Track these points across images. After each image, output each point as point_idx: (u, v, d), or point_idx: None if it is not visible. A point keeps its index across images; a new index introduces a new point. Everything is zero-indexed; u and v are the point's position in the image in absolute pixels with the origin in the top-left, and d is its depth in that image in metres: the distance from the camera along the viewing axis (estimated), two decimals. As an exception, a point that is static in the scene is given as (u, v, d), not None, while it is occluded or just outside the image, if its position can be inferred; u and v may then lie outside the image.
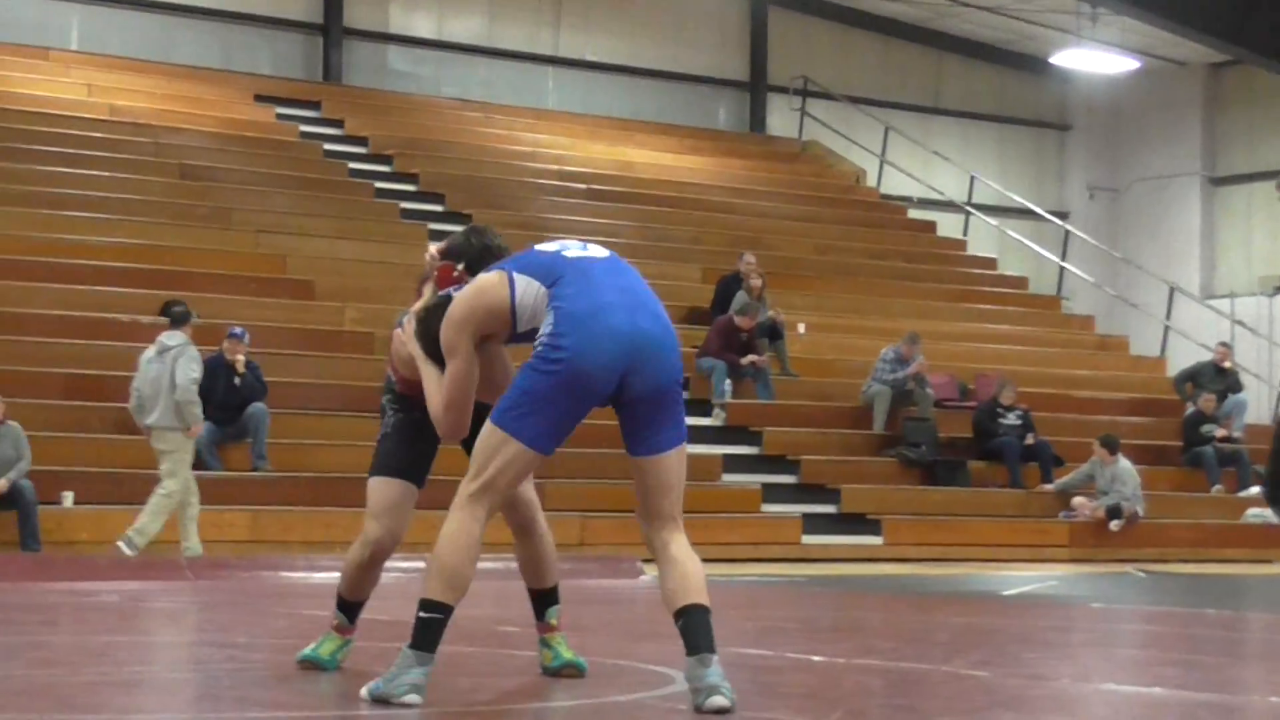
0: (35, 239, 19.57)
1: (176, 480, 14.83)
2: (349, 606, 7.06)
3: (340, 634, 7.05)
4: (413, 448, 6.92)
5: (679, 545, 6.18)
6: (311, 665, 6.96)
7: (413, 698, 5.89)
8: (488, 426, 6.07)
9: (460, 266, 6.69)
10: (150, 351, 15.23)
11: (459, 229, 23.14)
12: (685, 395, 21.49)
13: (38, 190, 20.81)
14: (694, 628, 5.96)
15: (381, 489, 6.91)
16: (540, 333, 6.03)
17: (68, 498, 15.69)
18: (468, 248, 6.76)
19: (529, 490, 7.00)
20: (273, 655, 7.86)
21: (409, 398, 6.81)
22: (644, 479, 6.18)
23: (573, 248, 6.30)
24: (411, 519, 7.00)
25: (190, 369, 14.96)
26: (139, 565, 14.06)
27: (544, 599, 7.04)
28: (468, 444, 6.35)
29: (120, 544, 14.61)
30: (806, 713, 6.09)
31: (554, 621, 7.01)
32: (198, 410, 14.98)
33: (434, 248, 6.98)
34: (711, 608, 6.02)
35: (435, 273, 6.78)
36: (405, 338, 6.68)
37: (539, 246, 6.32)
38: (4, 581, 12.89)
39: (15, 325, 17.79)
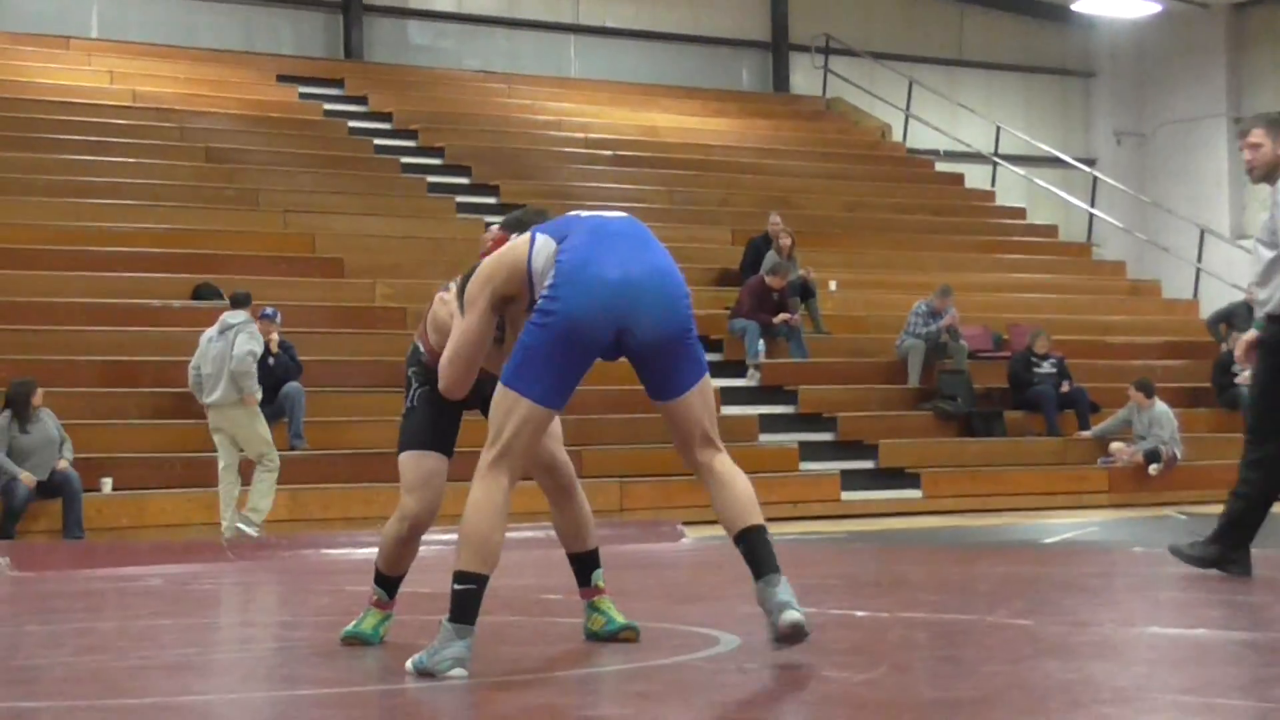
0: (64, 228, 19.63)
1: (270, 450, 15.22)
2: (388, 581, 7.09)
3: (380, 609, 7.07)
4: (440, 419, 6.95)
5: (722, 464, 6.22)
6: (355, 641, 6.99)
7: (457, 671, 5.88)
8: (499, 389, 6.08)
9: (514, 236, 6.69)
10: (212, 331, 15.49)
11: (487, 200, 23.17)
12: (719, 357, 21.61)
13: (64, 179, 20.87)
14: (756, 550, 6.05)
15: (414, 463, 6.95)
16: (542, 288, 6.02)
17: (106, 484, 15.76)
18: (524, 219, 6.76)
19: (562, 453, 7.02)
20: (317, 633, 7.89)
21: (434, 369, 6.82)
22: (671, 421, 6.23)
23: (600, 215, 6.26)
24: (446, 490, 7.01)
25: (250, 343, 15.31)
26: (181, 548, 14.11)
27: (587, 562, 7.05)
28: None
29: (240, 526, 14.92)
30: (852, 668, 6.09)
31: (601, 584, 7.02)
32: (253, 381, 15.23)
33: (495, 226, 7.02)
34: (764, 523, 6.13)
35: (490, 244, 6.78)
36: (449, 297, 6.69)
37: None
38: (48, 570, 12.95)
39: (48, 315, 17.85)
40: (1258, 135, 9.03)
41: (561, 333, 5.92)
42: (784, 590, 5.95)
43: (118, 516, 15.61)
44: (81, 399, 16.63)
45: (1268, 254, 8.91)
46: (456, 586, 5.96)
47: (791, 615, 5.88)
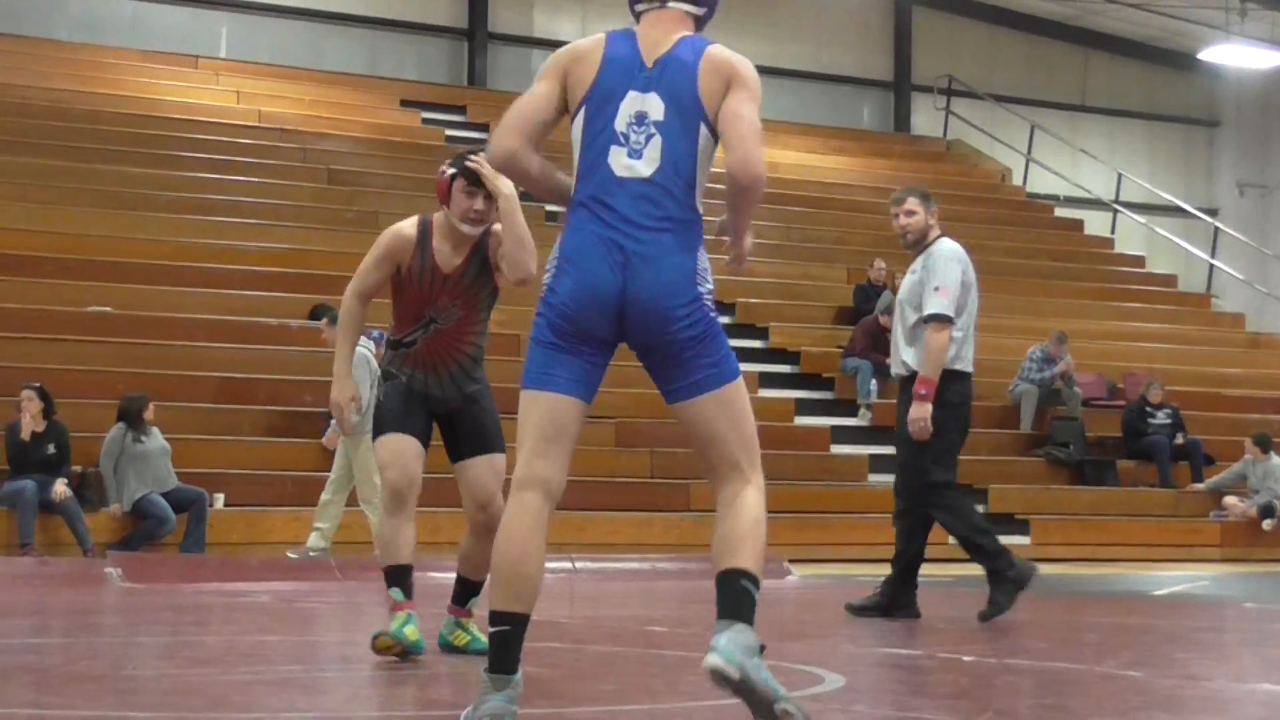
0: (186, 244, 19.83)
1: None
2: (396, 575, 7.46)
3: (399, 610, 7.38)
4: (408, 405, 7.49)
5: (735, 498, 5.28)
6: (392, 646, 7.28)
7: None
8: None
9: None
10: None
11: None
12: (830, 395, 21.57)
13: (188, 196, 21.10)
14: (722, 592, 5.22)
15: (382, 444, 7.48)
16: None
17: (219, 499, 15.89)
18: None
19: (499, 498, 7.47)
20: (422, 655, 7.91)
21: (404, 360, 7.46)
22: (688, 430, 5.33)
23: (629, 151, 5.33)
24: (422, 472, 7.57)
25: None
26: (289, 566, 14.21)
27: (472, 589, 7.60)
28: None
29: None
30: (957, 712, 6.05)
31: (474, 610, 7.51)
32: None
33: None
34: (749, 569, 5.21)
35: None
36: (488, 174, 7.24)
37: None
38: (158, 582, 13.07)
39: (167, 330, 18.03)
40: (912, 204, 10.06)
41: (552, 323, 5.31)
42: (725, 636, 5.14)
43: (229, 532, 15.73)
44: (197, 414, 16.78)
45: (913, 315, 9.86)
46: (491, 629, 5.16)
47: (711, 660, 5.11)
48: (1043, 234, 28.19)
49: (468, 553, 7.58)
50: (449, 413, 7.54)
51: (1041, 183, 30.04)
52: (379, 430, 7.48)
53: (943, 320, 9.74)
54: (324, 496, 14.99)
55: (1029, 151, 30.10)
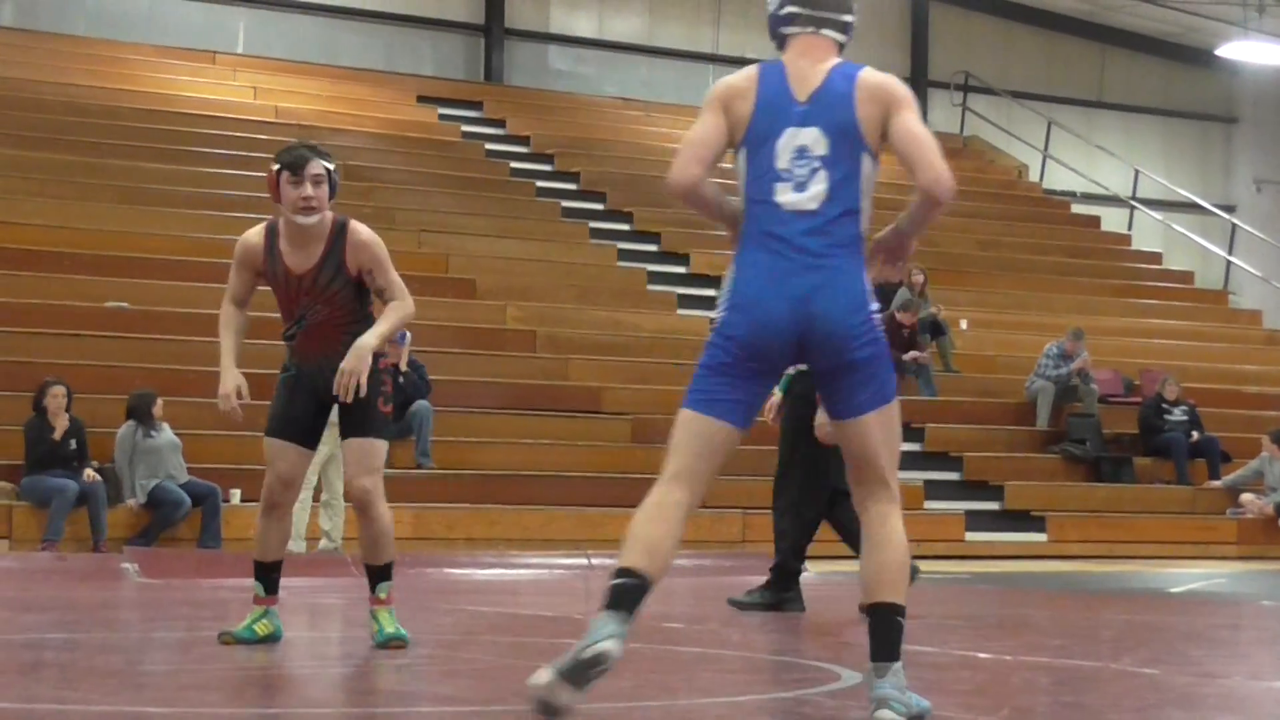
0: (203, 240, 19.86)
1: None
2: (259, 569, 7.68)
3: (258, 604, 7.61)
4: (294, 398, 7.62)
5: (884, 520, 5.47)
6: (232, 641, 7.52)
7: (609, 644, 5.25)
8: None
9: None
10: None
11: (620, 227, 23.11)
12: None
13: (205, 192, 21.13)
14: (878, 630, 5.37)
15: (269, 445, 7.70)
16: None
17: (235, 495, 15.90)
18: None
19: (359, 479, 7.68)
20: (438, 651, 7.92)
21: (291, 352, 7.62)
22: (847, 446, 5.51)
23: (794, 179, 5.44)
24: (304, 470, 7.78)
25: None
26: (306, 562, 14.22)
27: (377, 574, 7.67)
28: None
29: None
30: (974, 709, 6.04)
31: (383, 595, 7.61)
32: None
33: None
34: (902, 603, 5.43)
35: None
36: None
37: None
38: (175, 577, 13.09)
39: (184, 325, 18.06)
40: None
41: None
42: (889, 684, 5.30)
43: (245, 528, 15.72)
44: (213, 410, 16.71)
45: None
46: (616, 581, 5.32)
47: (884, 715, 5.24)
48: (1059, 230, 28.15)
49: (359, 538, 7.85)
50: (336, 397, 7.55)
51: (1058, 179, 30.01)
52: (267, 428, 7.69)
53: None
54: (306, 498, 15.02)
55: (1046, 148, 30.07)
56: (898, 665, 5.33)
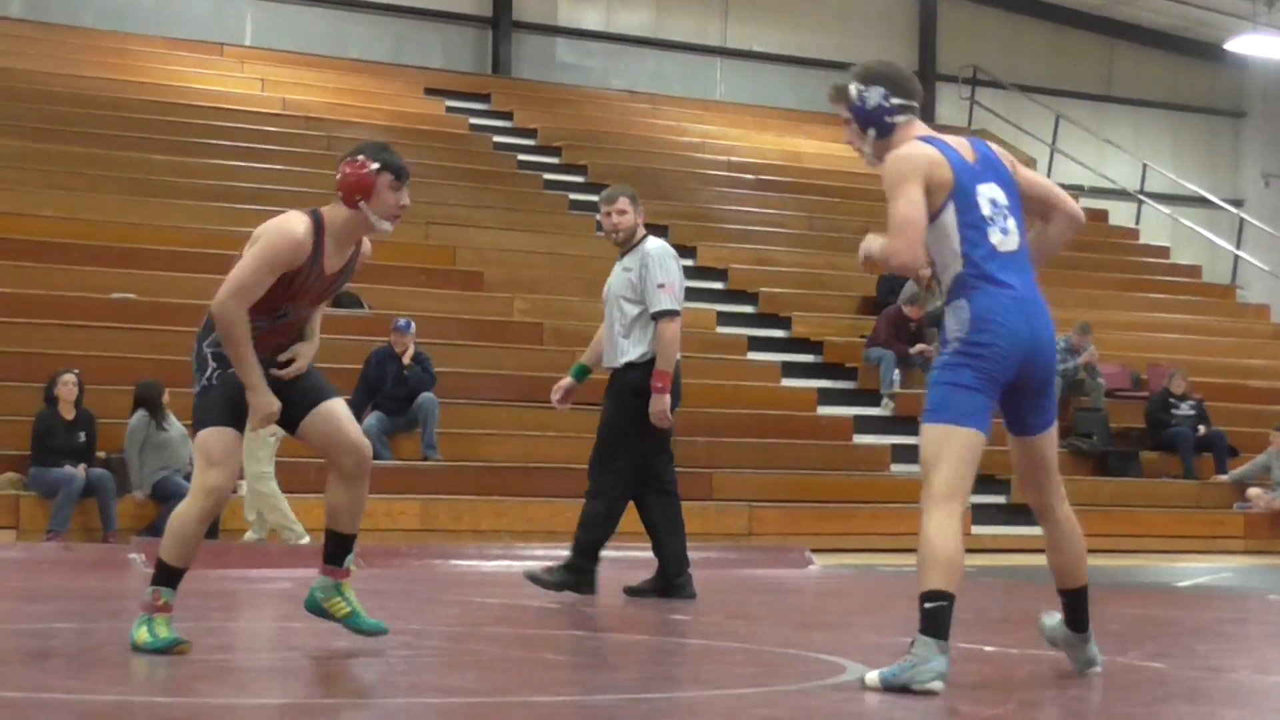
0: (210, 232, 19.86)
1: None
2: (174, 576, 6.98)
3: (165, 613, 6.93)
4: (240, 397, 6.98)
5: (1067, 514, 6.80)
6: (153, 652, 6.84)
7: (937, 684, 6.03)
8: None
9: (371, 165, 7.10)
10: None
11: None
12: (853, 385, 21.57)
13: (213, 184, 21.15)
14: (1081, 606, 6.71)
15: (217, 438, 6.95)
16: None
17: (242, 487, 15.91)
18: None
19: (361, 436, 7.21)
20: (445, 643, 7.93)
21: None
22: (1031, 458, 6.70)
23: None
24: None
25: None
26: (312, 553, 14.22)
27: (346, 545, 7.26)
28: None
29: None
30: (981, 703, 6.05)
31: (351, 568, 7.28)
32: None
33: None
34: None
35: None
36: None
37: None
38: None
39: (191, 317, 17.96)
40: (623, 204, 10.61)
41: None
42: (1094, 647, 6.73)
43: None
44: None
45: (633, 309, 10.44)
46: (929, 605, 6.13)
47: (1098, 668, 6.70)
48: (1067, 224, 28.10)
49: (341, 504, 7.17)
50: (279, 383, 7.09)
51: (1066, 173, 29.97)
52: (208, 420, 6.96)
53: (671, 315, 10.36)
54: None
55: (1054, 142, 30.05)
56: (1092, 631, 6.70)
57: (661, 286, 10.41)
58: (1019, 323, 6.25)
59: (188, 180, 21.05)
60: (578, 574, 10.55)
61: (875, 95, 6.60)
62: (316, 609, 7.31)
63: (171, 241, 19.43)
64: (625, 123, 26.93)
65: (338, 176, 7.12)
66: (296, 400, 7.10)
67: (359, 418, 16.59)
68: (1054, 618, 6.84)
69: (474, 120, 25.68)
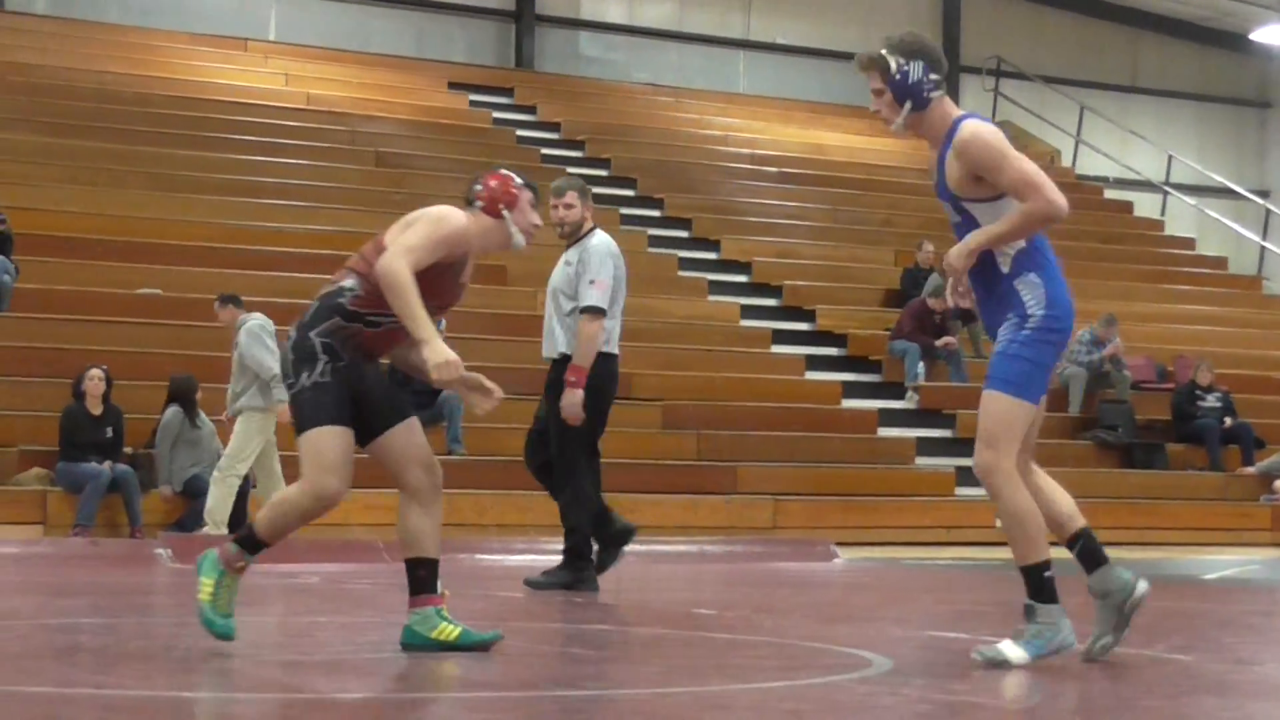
0: (234, 226, 19.92)
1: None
2: (258, 545, 6.92)
3: (236, 573, 6.93)
4: (344, 393, 6.75)
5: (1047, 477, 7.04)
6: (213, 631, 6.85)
7: (1074, 641, 6.57)
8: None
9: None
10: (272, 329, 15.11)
11: (652, 213, 23.15)
12: (878, 377, 21.55)
13: (236, 179, 21.19)
14: (1094, 544, 6.93)
15: (335, 440, 6.73)
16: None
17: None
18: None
19: (431, 455, 7.00)
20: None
21: (355, 343, 6.73)
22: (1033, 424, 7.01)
23: None
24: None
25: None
26: (337, 548, 14.26)
27: (435, 568, 6.93)
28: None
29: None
30: (1006, 696, 6.04)
31: (445, 591, 6.96)
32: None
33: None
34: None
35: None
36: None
37: None
38: (208, 563, 13.12)
39: (214, 312, 18.09)
40: (571, 198, 10.71)
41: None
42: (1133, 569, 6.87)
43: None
44: (245, 396, 16.81)
45: (569, 304, 10.63)
46: (1047, 574, 6.54)
47: (1144, 584, 6.83)
48: (1092, 216, 28.07)
49: (423, 528, 6.85)
50: (359, 393, 6.87)
51: (1091, 164, 29.93)
52: (321, 418, 6.71)
53: (596, 312, 10.45)
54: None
55: (1078, 133, 29.99)
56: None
57: (593, 283, 10.50)
58: (1071, 301, 6.67)
59: (212, 175, 21.10)
60: (576, 573, 10.55)
61: (918, 69, 6.76)
62: (421, 642, 6.90)
63: (196, 236, 19.48)
64: (648, 116, 26.93)
65: (478, 189, 7.08)
66: (375, 414, 6.87)
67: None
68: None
69: (497, 114, 25.70)
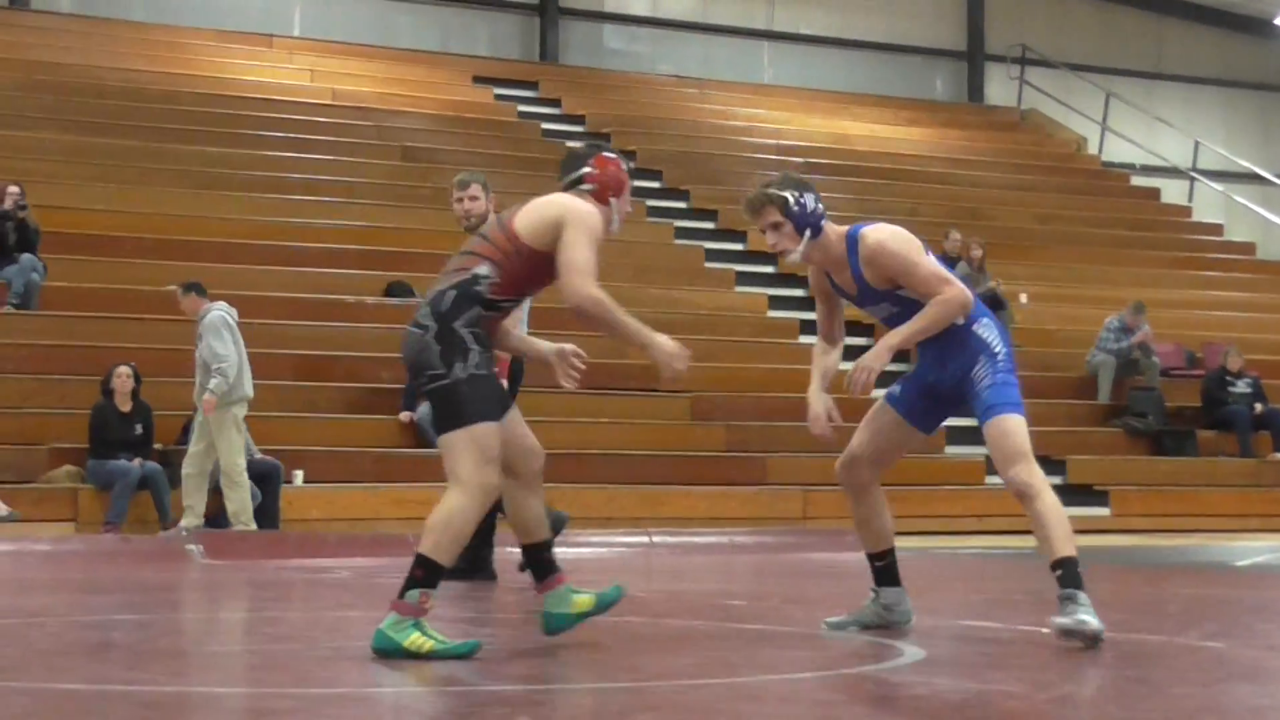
0: (262, 223, 19.96)
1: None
2: (440, 575, 6.62)
3: (425, 615, 6.54)
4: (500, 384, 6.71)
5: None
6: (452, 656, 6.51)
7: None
8: (1010, 419, 7.35)
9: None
10: (232, 323, 15.05)
11: (678, 205, 23.06)
12: (907, 367, 21.45)
13: (263, 175, 21.23)
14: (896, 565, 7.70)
15: (494, 433, 6.56)
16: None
17: (298, 476, 15.98)
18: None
19: (535, 440, 6.94)
20: (505, 630, 7.95)
21: (488, 330, 6.65)
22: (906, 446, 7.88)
23: None
24: None
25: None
26: (369, 542, 14.29)
27: (548, 548, 6.99)
28: None
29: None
30: (1038, 685, 6.03)
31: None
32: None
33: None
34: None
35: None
36: None
37: None
38: (239, 558, 13.17)
39: (246, 308, 18.06)
40: (475, 190, 10.81)
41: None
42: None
43: (308, 509, 15.83)
44: (276, 391, 16.87)
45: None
46: (1079, 568, 7.05)
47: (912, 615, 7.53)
48: (1119, 203, 28.02)
49: (533, 513, 6.87)
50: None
51: (1117, 151, 29.85)
52: (486, 413, 6.55)
53: None
54: (188, 471, 14.77)
55: (1104, 120, 29.91)
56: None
57: None
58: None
59: (239, 172, 21.14)
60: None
61: (811, 200, 7.38)
62: (563, 621, 6.93)
63: (223, 233, 19.52)
64: (673, 108, 26.92)
65: (589, 171, 6.99)
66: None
67: (412, 406, 16.71)
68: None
69: (522, 108, 25.71)
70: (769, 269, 22.63)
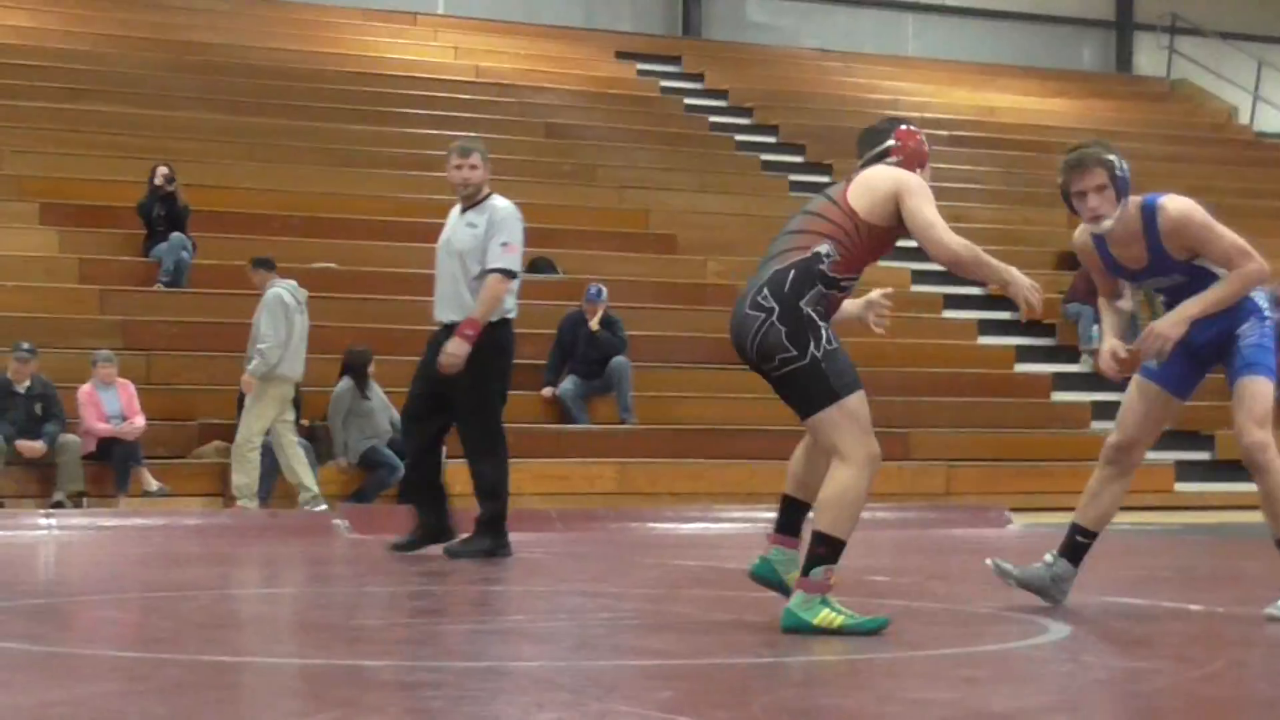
0: (407, 200, 20.09)
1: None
2: (841, 550, 6.65)
3: (831, 587, 6.59)
4: None
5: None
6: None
7: None
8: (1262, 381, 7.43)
9: None
10: (291, 302, 15.16)
11: (820, 179, 23.03)
12: (1052, 341, 21.30)
13: (407, 153, 21.37)
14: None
15: (864, 403, 6.72)
16: None
17: (442, 451, 16.05)
18: None
19: None
20: (644, 605, 7.96)
21: (828, 309, 6.77)
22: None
23: None
24: None
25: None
26: (511, 517, 14.34)
27: (805, 513, 7.06)
28: None
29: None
30: (1187, 662, 5.96)
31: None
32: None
33: None
34: None
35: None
36: None
37: None
38: (385, 533, 13.28)
39: (388, 285, 18.28)
40: (476, 159, 10.86)
41: None
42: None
43: (451, 484, 15.88)
44: (412, 368, 16.92)
45: (476, 267, 10.65)
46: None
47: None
48: (1272, 173, 27.56)
49: (815, 478, 7.00)
50: None
51: (1270, 120, 29.39)
52: (852, 383, 6.70)
53: (509, 275, 10.57)
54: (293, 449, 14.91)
55: (1256, 90, 29.46)
56: None
57: (506, 245, 10.60)
58: None
59: (384, 150, 21.30)
60: (496, 539, 10.70)
61: (1126, 166, 7.34)
62: (770, 577, 7.02)
63: (369, 211, 19.68)
64: (817, 82, 26.80)
65: (894, 144, 7.16)
66: None
67: (555, 382, 16.80)
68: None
69: (665, 83, 25.70)
70: (912, 243, 22.47)
